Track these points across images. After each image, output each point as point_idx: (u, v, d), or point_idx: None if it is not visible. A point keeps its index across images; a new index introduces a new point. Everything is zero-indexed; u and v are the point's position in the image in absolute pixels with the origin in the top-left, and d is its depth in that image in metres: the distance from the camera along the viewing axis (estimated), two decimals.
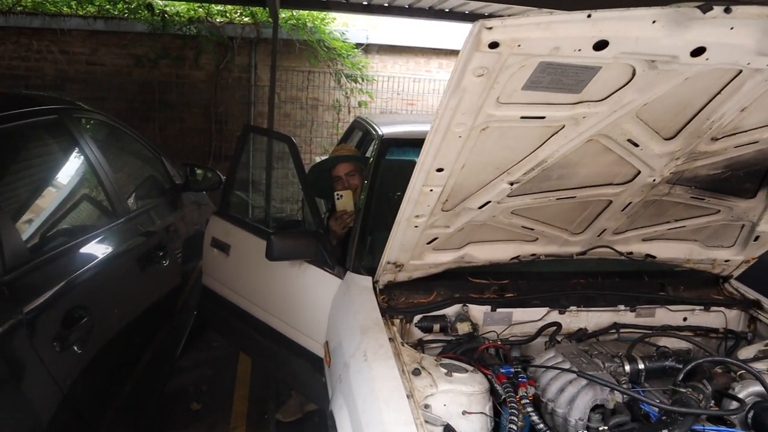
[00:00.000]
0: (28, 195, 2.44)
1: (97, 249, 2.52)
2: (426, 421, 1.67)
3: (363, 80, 8.17)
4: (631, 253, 2.50)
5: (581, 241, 2.39)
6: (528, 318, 2.40)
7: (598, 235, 2.37)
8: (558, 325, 2.35)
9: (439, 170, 1.73)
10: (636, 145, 1.79)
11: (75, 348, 2.06)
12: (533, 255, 2.43)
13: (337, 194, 3.07)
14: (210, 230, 3.42)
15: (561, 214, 2.23)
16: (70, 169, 2.78)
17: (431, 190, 1.82)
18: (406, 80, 8.36)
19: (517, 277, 2.50)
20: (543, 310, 2.41)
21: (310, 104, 8.23)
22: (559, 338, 2.33)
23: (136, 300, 2.80)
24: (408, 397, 1.72)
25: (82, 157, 2.72)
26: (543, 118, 1.61)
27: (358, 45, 8.06)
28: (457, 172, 1.77)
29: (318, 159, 5.67)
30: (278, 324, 2.92)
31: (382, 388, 1.78)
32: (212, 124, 7.91)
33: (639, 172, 1.95)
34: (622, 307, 2.48)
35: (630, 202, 2.14)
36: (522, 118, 1.59)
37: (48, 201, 2.54)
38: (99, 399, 2.29)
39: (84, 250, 2.42)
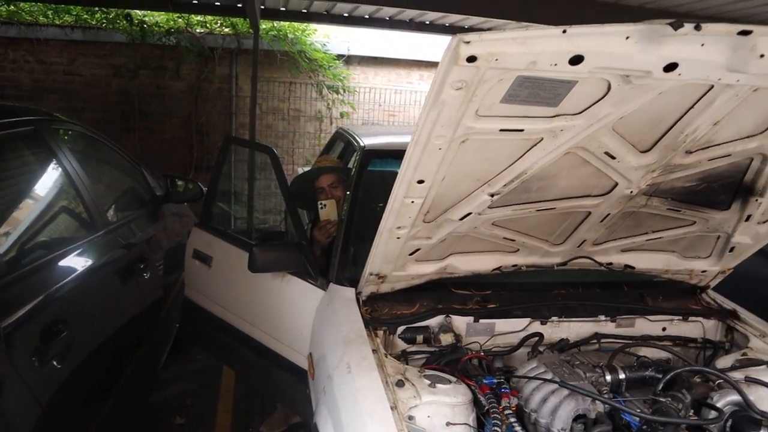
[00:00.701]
0: (5, 208, 2.40)
1: (77, 262, 2.49)
2: None
3: (344, 91, 8.20)
4: (610, 263, 2.53)
5: (561, 251, 2.41)
6: (510, 328, 2.41)
7: (578, 246, 2.40)
8: (540, 335, 2.37)
9: (420, 182, 1.74)
10: (613, 157, 1.83)
11: (54, 363, 2.03)
12: (515, 266, 2.45)
13: (321, 203, 3.08)
14: (192, 242, 3.39)
15: (541, 226, 2.25)
16: (48, 182, 2.74)
17: (412, 202, 1.83)
18: (387, 91, 8.41)
19: (499, 288, 2.51)
20: (525, 321, 2.42)
21: (291, 115, 8.23)
22: (541, 348, 2.35)
23: (117, 313, 2.76)
24: (392, 408, 1.72)
25: (59, 169, 2.69)
26: (521, 130, 1.63)
27: (339, 56, 8.10)
28: (438, 183, 1.79)
29: (300, 170, 5.66)
30: (261, 336, 2.90)
31: (366, 400, 1.78)
32: (193, 135, 7.86)
33: (616, 184, 1.99)
34: (602, 317, 2.50)
35: (608, 214, 2.17)
36: (501, 130, 1.61)
37: (25, 214, 2.50)
38: (79, 414, 2.26)
39: (63, 263, 2.39)
